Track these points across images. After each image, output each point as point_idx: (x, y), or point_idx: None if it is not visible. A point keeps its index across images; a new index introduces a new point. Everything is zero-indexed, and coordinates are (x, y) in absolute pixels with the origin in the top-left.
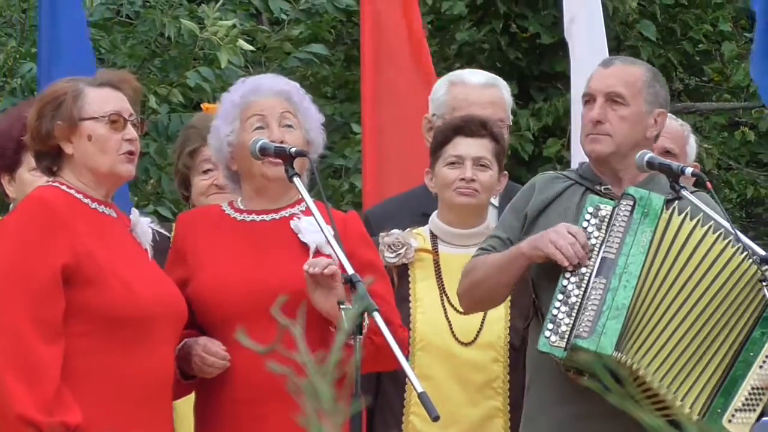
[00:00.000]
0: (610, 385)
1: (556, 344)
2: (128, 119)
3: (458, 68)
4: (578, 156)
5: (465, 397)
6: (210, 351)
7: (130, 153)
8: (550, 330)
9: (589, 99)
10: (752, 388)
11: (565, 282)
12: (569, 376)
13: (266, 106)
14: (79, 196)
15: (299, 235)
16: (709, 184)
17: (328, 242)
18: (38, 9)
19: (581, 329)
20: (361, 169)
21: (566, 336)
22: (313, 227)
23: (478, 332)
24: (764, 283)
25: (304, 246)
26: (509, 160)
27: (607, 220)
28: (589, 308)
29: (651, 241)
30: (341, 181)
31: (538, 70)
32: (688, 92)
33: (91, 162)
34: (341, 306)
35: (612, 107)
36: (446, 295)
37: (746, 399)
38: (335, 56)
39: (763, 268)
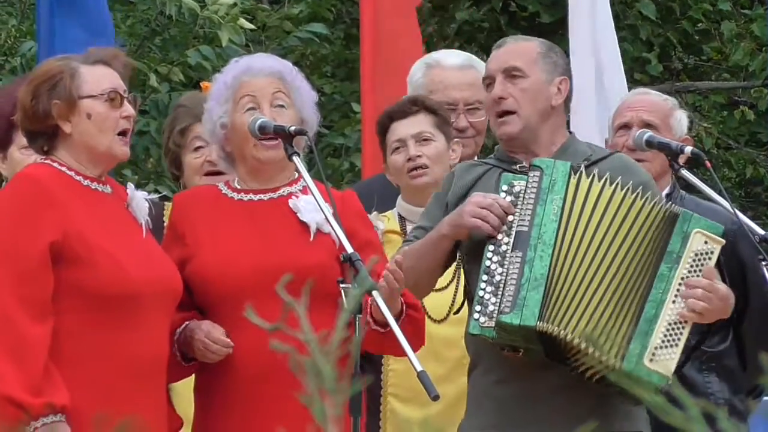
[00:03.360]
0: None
1: (485, 325)
2: (124, 96)
3: (457, 47)
4: (578, 132)
5: (441, 374)
6: (213, 338)
7: (125, 132)
8: (478, 312)
9: (489, 81)
10: (669, 324)
11: (488, 262)
12: (505, 354)
13: (258, 86)
14: (71, 173)
15: (298, 215)
16: (708, 163)
17: (328, 221)
18: None
19: (503, 305)
20: (361, 149)
21: (494, 315)
22: (311, 206)
23: (450, 308)
24: (764, 263)
25: (304, 225)
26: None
27: (522, 195)
28: (509, 283)
29: (562, 208)
30: (341, 161)
31: None
32: (687, 71)
33: (90, 141)
34: (341, 285)
35: (511, 82)
36: None
37: (664, 336)
38: (335, 35)
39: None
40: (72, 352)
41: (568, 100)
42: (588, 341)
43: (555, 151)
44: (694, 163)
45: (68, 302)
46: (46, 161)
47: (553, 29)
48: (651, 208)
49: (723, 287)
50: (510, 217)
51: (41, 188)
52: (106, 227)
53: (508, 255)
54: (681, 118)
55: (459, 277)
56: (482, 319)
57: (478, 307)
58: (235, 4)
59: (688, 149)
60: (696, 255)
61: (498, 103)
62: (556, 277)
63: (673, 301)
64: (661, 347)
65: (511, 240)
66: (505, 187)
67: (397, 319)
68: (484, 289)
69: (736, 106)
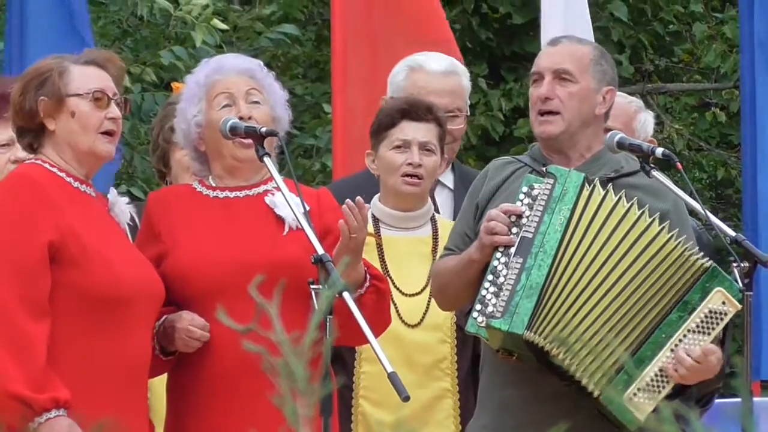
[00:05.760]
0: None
1: (483, 325)
2: (112, 98)
3: None
4: None
5: (413, 379)
6: (197, 324)
7: (111, 133)
8: (477, 311)
9: (537, 78)
10: (660, 370)
11: (495, 262)
12: (499, 357)
13: (232, 83)
14: (62, 174)
15: (275, 210)
16: (679, 165)
17: (299, 222)
18: None
19: (495, 309)
20: (332, 149)
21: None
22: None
23: (425, 314)
24: (735, 264)
25: (280, 220)
26: (479, 141)
27: (537, 199)
28: (505, 288)
29: (569, 219)
30: (312, 161)
31: (509, 51)
32: (658, 73)
33: (73, 139)
34: (312, 286)
35: (560, 84)
36: (390, 277)
37: (651, 380)
38: (306, 36)
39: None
40: (62, 354)
41: (609, 110)
42: (572, 356)
43: (588, 158)
44: (665, 165)
45: (61, 303)
46: (36, 161)
47: (525, 30)
48: (667, 239)
49: (714, 361)
50: (523, 220)
51: (37, 187)
52: (96, 229)
53: (510, 259)
54: (645, 120)
55: None
56: (480, 319)
57: (478, 306)
58: (207, 5)
59: (660, 151)
60: (710, 312)
61: (543, 102)
62: (552, 287)
63: (671, 350)
64: (644, 389)
65: (515, 245)
66: (525, 189)
67: (359, 286)
68: (487, 289)
69: (708, 108)
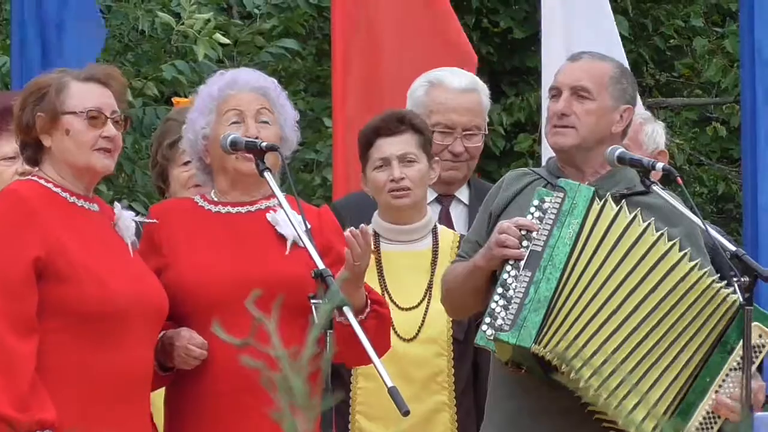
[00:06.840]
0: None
1: (491, 338)
2: (109, 116)
3: None
4: (550, 151)
5: (410, 393)
6: (196, 343)
7: (107, 150)
8: (487, 324)
9: (555, 93)
10: (707, 413)
11: (505, 275)
12: (508, 370)
13: (243, 101)
14: (57, 189)
15: (276, 227)
16: (679, 179)
17: (300, 238)
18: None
19: (504, 323)
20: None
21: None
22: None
23: (420, 328)
24: (735, 279)
25: (281, 238)
26: (480, 155)
27: (547, 213)
28: (513, 301)
29: (578, 233)
30: (313, 175)
31: (510, 65)
32: (659, 88)
33: (68, 156)
34: (312, 301)
35: (577, 100)
36: (388, 292)
37: (701, 423)
38: (307, 50)
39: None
40: (54, 370)
41: (627, 127)
42: (583, 380)
43: (603, 174)
44: (665, 180)
45: (50, 320)
46: (32, 177)
47: (526, 45)
48: (690, 268)
49: (760, 397)
50: (534, 234)
51: (24, 204)
52: (90, 245)
53: (519, 272)
54: (653, 131)
55: (430, 297)
56: (489, 332)
57: (487, 319)
58: (209, 20)
59: (660, 165)
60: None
61: (559, 117)
62: (561, 301)
63: (716, 391)
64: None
65: (524, 258)
66: (536, 202)
67: (360, 312)
68: (497, 302)
69: (708, 123)
